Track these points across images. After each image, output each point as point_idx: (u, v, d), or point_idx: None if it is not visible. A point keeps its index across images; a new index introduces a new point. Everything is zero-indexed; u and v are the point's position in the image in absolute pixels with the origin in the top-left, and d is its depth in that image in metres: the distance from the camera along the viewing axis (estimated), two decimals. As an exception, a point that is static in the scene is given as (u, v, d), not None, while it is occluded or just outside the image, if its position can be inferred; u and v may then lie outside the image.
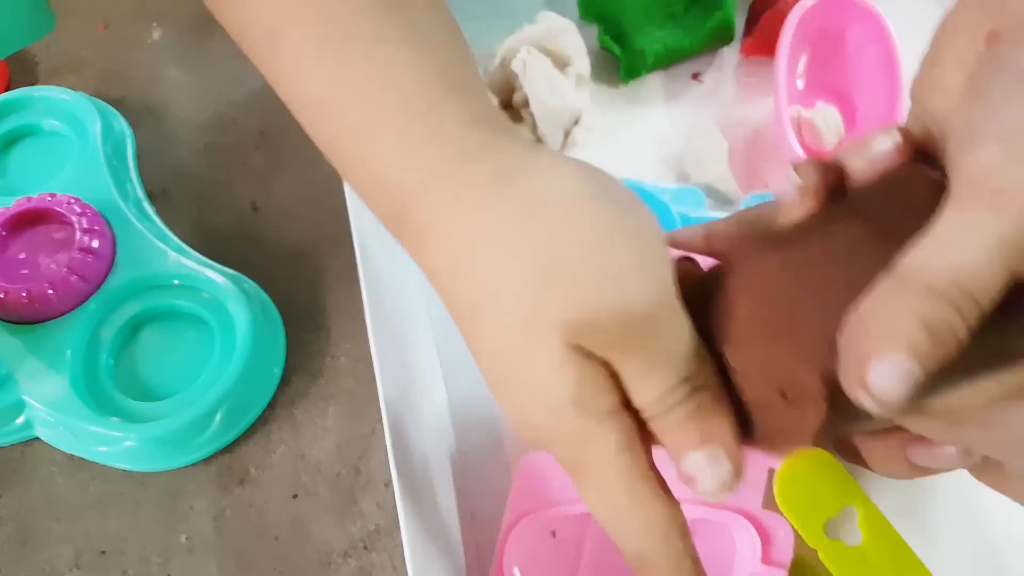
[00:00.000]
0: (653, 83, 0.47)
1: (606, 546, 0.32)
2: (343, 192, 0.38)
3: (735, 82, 0.47)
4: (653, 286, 0.22)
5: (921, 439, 0.23)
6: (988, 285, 0.18)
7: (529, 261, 0.22)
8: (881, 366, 0.18)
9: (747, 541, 0.31)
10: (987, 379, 0.19)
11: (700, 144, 0.43)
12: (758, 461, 0.32)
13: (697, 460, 0.22)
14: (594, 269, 0.22)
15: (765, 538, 0.30)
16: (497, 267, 0.23)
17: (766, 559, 0.30)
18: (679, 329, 0.22)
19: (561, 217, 0.22)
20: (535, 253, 0.22)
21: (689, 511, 0.31)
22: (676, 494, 0.29)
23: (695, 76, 0.48)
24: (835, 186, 0.23)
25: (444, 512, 0.34)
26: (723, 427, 0.22)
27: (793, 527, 0.32)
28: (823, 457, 0.33)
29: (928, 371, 0.18)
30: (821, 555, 0.32)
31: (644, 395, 0.22)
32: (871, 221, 0.20)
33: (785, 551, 0.30)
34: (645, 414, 0.22)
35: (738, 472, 0.22)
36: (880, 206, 0.21)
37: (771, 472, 0.32)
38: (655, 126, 0.46)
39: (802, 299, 0.21)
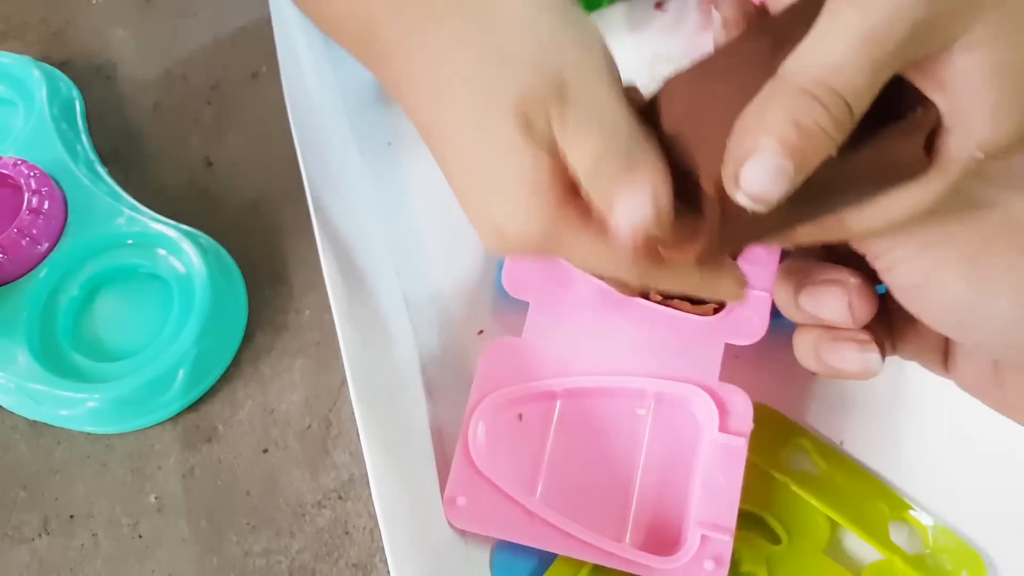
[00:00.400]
0: (615, 14, 0.46)
1: (572, 425, 0.32)
2: (294, 144, 0.37)
3: (698, 10, 0.46)
4: (587, 60, 0.23)
5: (832, 339, 0.25)
6: (854, 81, 0.18)
7: (479, 53, 0.23)
8: (753, 164, 0.18)
9: (706, 412, 0.31)
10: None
11: (665, 71, 0.41)
12: (714, 336, 0.32)
13: (622, 202, 0.21)
14: (534, 47, 0.22)
15: (723, 409, 0.31)
16: (451, 70, 0.23)
17: (724, 428, 0.30)
18: (610, 101, 0.23)
19: (509, 19, 0.23)
20: (484, 46, 0.23)
21: (649, 384, 0.31)
22: (641, 370, 0.29)
23: (658, 5, 0.46)
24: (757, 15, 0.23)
25: (417, 457, 0.34)
26: (653, 178, 0.22)
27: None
28: (760, 408, 0.34)
29: (801, 168, 0.18)
30: (791, 485, 0.33)
31: (580, 161, 0.22)
32: (775, 35, 0.21)
33: (744, 421, 0.31)
34: (583, 184, 0.22)
35: (660, 221, 0.21)
36: (788, 23, 0.21)
37: (727, 346, 0.33)
38: (619, 57, 0.44)
39: (703, 111, 0.21)
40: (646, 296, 0.33)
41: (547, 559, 0.31)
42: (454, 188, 0.25)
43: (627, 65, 0.45)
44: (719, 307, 0.32)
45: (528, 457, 0.32)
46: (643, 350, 0.32)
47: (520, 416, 0.33)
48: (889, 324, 0.27)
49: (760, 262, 0.32)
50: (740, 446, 0.30)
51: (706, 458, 0.30)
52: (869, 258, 0.23)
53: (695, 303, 0.32)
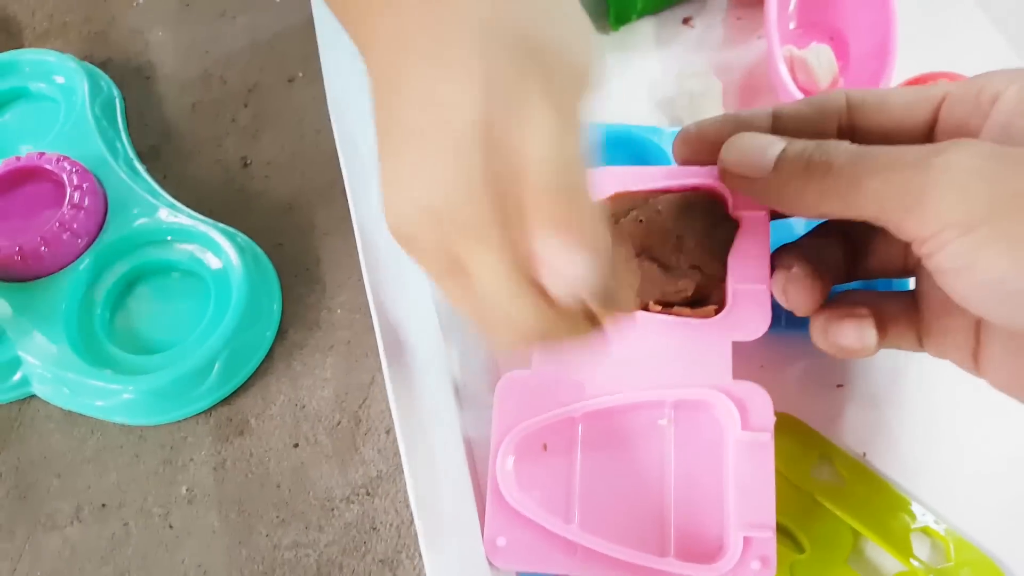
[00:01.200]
0: (643, 29, 0.47)
1: (597, 447, 0.32)
2: (333, 144, 0.38)
3: (726, 25, 0.47)
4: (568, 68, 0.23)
5: (836, 317, 0.28)
6: None
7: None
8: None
9: (726, 413, 0.31)
10: None
11: (692, 86, 0.42)
12: (720, 335, 0.32)
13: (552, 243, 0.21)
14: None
15: (742, 407, 0.30)
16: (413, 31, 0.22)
17: (746, 426, 0.30)
18: (575, 140, 0.22)
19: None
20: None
21: (666, 394, 0.32)
22: (655, 382, 0.32)
23: (686, 21, 0.47)
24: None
25: (448, 455, 0.34)
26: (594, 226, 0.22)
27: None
28: (784, 418, 0.35)
29: None
30: (816, 495, 0.33)
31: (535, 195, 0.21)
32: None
33: (765, 415, 0.30)
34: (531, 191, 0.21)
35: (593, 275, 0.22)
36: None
37: (751, 358, 0.34)
38: (646, 71, 0.45)
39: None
40: (646, 308, 0.33)
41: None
42: (381, 152, 0.23)
43: (654, 79, 0.46)
44: (719, 307, 0.32)
45: (559, 486, 0.32)
46: (654, 362, 0.32)
47: (545, 446, 0.32)
48: (918, 320, 0.28)
49: (752, 255, 0.32)
50: (766, 441, 0.30)
51: (734, 459, 0.30)
52: (914, 246, 0.24)
53: (694, 306, 0.32)
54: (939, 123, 0.27)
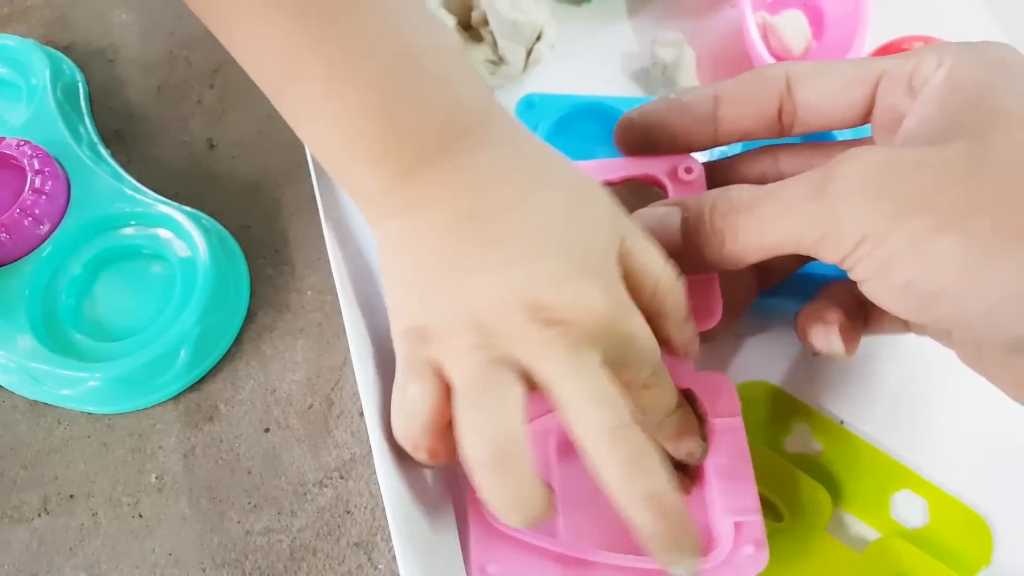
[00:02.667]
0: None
1: (572, 455, 0.31)
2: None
3: (699, -7, 0.46)
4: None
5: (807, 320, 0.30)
6: None
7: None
8: None
9: (698, 407, 0.31)
10: None
11: (666, 54, 0.42)
12: None
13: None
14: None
15: (708, 397, 0.30)
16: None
17: (716, 414, 0.30)
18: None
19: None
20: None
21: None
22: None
23: (659, -9, 0.46)
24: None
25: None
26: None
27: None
28: (765, 386, 0.34)
29: None
30: (793, 463, 0.33)
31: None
32: None
33: (731, 401, 0.30)
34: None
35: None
36: None
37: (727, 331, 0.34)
38: (620, 42, 0.45)
39: None
40: None
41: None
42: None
43: (627, 50, 0.45)
44: None
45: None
46: None
47: None
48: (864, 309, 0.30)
49: None
50: (737, 426, 0.30)
51: (709, 447, 0.30)
52: (839, 264, 0.26)
53: None
54: (875, 106, 0.28)
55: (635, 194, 0.32)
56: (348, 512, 0.34)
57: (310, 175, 0.36)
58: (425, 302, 0.26)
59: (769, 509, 0.32)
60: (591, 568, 0.29)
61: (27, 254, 0.39)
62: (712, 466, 0.29)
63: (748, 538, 0.28)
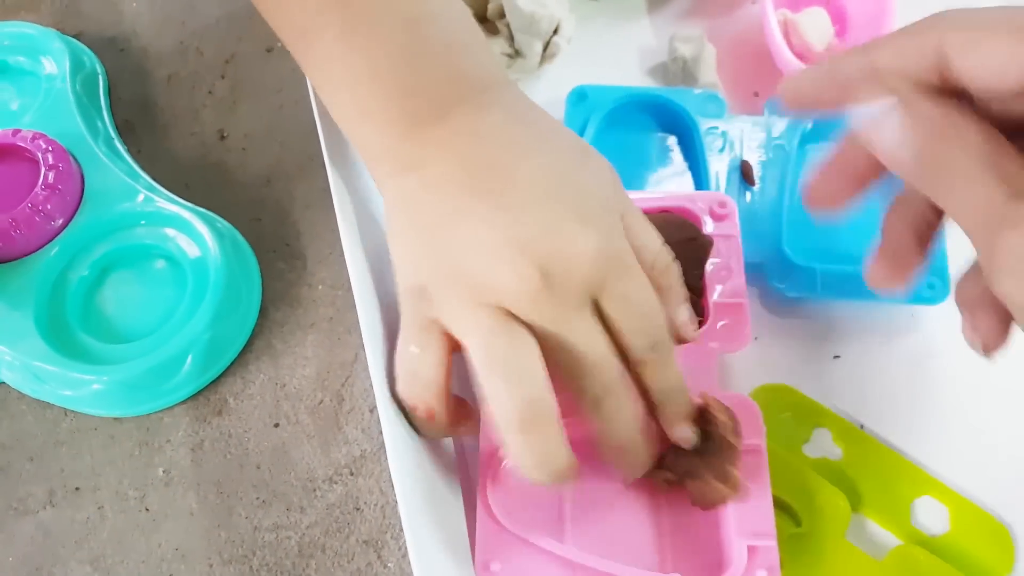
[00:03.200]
0: (634, -5, 0.45)
1: (587, 463, 0.30)
2: (312, 116, 0.36)
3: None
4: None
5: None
6: None
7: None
8: None
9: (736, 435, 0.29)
10: None
11: (686, 50, 0.41)
12: (706, 348, 0.32)
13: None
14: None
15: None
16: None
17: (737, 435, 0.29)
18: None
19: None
20: None
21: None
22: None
23: (677, -13, 0.46)
24: None
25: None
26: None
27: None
28: (785, 389, 0.34)
29: None
30: (812, 469, 0.32)
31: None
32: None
33: (755, 424, 0.30)
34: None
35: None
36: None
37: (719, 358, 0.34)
38: (638, 37, 0.44)
39: None
40: None
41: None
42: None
43: (646, 45, 0.45)
44: (701, 321, 0.32)
45: (551, 505, 0.31)
46: None
47: None
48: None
49: (728, 269, 0.33)
50: (759, 448, 0.29)
51: None
52: None
53: None
54: None
55: (671, 227, 0.32)
56: (358, 509, 0.34)
57: (323, 167, 0.35)
58: (423, 257, 0.27)
59: (788, 514, 0.31)
60: (592, 575, 0.28)
61: (37, 250, 0.38)
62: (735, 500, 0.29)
63: (762, 563, 0.28)
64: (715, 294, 0.32)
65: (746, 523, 0.28)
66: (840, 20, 0.42)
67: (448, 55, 0.28)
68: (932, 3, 0.43)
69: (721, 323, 0.32)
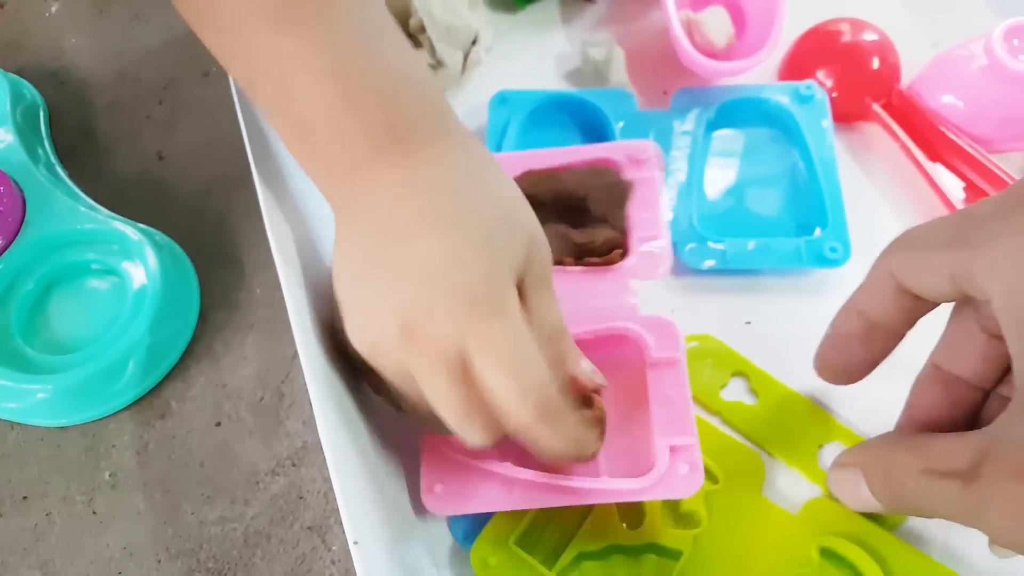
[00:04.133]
0: (548, 8, 0.48)
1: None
2: (244, 133, 0.38)
3: (628, 0, 0.48)
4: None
5: None
6: None
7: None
8: None
9: (639, 344, 0.33)
10: None
11: (597, 53, 0.44)
12: (626, 277, 0.35)
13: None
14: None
15: (653, 334, 0.33)
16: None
17: (659, 350, 0.32)
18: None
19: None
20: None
21: (584, 333, 0.33)
22: (575, 327, 0.32)
23: (589, -1, 0.49)
24: None
25: (367, 420, 0.34)
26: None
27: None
28: (705, 339, 0.36)
29: None
30: (723, 416, 0.34)
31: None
32: None
33: (672, 338, 0.32)
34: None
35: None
36: None
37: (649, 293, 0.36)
38: (553, 46, 0.47)
39: None
40: (561, 263, 0.35)
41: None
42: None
43: (560, 52, 0.47)
44: (624, 254, 0.35)
45: None
46: (570, 311, 0.33)
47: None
48: None
49: (647, 208, 0.36)
50: (677, 359, 0.32)
51: (652, 380, 0.32)
52: None
53: (602, 255, 0.35)
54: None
55: (595, 175, 0.36)
56: (301, 498, 0.35)
57: (254, 180, 0.37)
58: (353, 310, 0.29)
59: (705, 472, 0.33)
60: (536, 489, 0.30)
61: (-20, 269, 0.39)
62: (654, 396, 0.31)
63: (683, 459, 0.30)
64: (635, 230, 0.35)
65: (669, 427, 0.31)
66: (739, 18, 0.45)
67: (393, 94, 0.28)
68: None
69: (639, 255, 0.34)
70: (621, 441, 0.32)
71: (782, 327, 0.36)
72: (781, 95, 0.41)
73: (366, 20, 0.29)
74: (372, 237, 0.28)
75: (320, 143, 0.29)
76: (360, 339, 0.29)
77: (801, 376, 0.35)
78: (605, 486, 0.30)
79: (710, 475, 0.33)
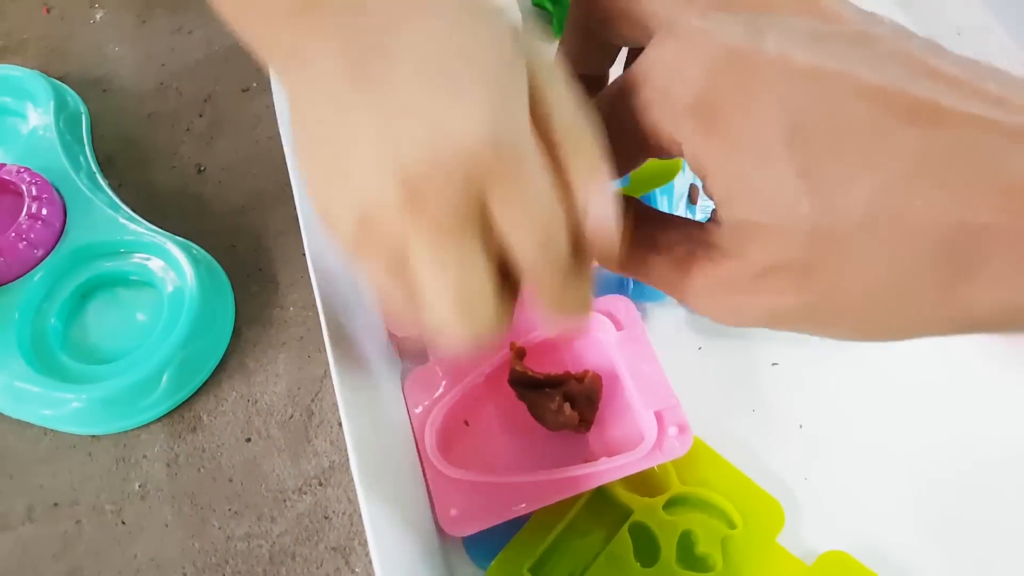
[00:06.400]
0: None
1: (507, 395, 0.35)
2: (283, 149, 0.39)
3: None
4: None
5: None
6: None
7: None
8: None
9: (601, 327, 0.35)
10: None
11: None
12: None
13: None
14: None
15: (611, 315, 0.35)
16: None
17: (620, 327, 0.34)
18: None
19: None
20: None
21: (539, 339, 0.35)
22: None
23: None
24: None
25: (396, 447, 0.35)
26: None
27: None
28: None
29: None
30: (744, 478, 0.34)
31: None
32: None
33: (631, 314, 0.34)
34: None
35: None
36: None
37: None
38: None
39: None
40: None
41: (513, 522, 0.32)
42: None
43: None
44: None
45: (490, 444, 0.34)
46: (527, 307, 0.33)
47: (466, 422, 0.35)
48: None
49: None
50: (639, 333, 0.34)
51: (623, 360, 0.33)
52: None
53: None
54: None
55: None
56: (326, 518, 0.36)
57: (294, 196, 0.37)
58: (318, 184, 0.23)
59: (723, 517, 0.33)
60: (544, 488, 0.32)
61: (20, 276, 0.40)
62: (626, 373, 0.33)
63: (671, 421, 0.32)
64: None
65: (648, 396, 0.32)
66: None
67: None
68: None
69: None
70: (607, 423, 0.34)
71: (809, 370, 0.37)
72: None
73: None
74: (334, 75, 0.22)
75: None
76: (343, 209, 0.22)
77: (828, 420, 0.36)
78: (606, 466, 0.32)
79: (727, 519, 0.33)
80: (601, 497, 0.33)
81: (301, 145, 0.23)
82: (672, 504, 0.32)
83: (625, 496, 0.32)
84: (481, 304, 0.22)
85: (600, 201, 0.21)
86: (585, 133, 0.22)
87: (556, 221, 0.21)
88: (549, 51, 0.23)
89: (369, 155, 0.21)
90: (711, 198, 0.21)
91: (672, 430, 0.32)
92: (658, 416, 0.32)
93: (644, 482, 0.33)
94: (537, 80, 0.21)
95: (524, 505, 0.31)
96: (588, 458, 0.32)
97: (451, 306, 0.22)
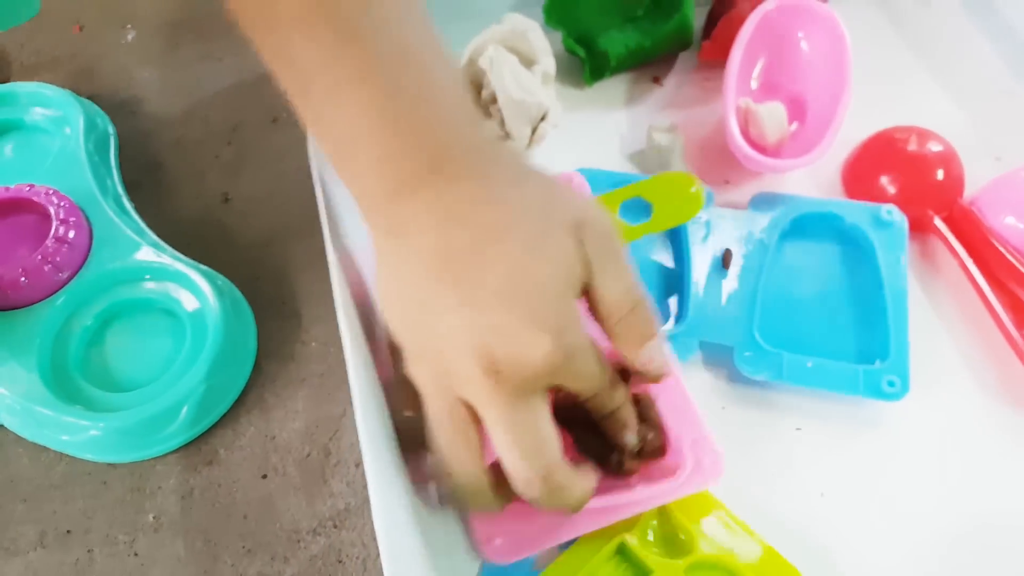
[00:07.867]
0: (616, 86, 0.49)
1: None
2: (311, 182, 0.39)
3: (693, 85, 0.49)
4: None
5: None
6: None
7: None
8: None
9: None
10: None
11: (660, 140, 0.45)
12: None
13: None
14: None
15: None
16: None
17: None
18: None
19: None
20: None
21: None
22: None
23: (656, 80, 0.50)
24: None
25: (415, 491, 0.35)
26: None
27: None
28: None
29: None
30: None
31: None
32: None
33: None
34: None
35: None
36: None
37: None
38: (618, 126, 0.48)
39: None
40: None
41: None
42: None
43: (625, 133, 0.48)
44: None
45: None
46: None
47: None
48: None
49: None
50: (675, 380, 0.35)
51: (657, 399, 0.34)
52: None
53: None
54: None
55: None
56: (340, 561, 0.35)
57: (320, 232, 0.38)
58: (414, 327, 0.30)
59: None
60: (584, 514, 0.32)
61: (43, 299, 0.40)
62: (665, 412, 0.34)
63: (706, 450, 0.33)
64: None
65: (683, 431, 0.34)
66: (801, 117, 0.46)
67: (429, 120, 0.28)
68: (888, 96, 0.47)
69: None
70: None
71: (831, 436, 0.37)
72: (860, 215, 0.41)
73: (410, 32, 0.29)
74: (429, 260, 0.29)
75: (362, 164, 0.29)
76: (429, 363, 0.30)
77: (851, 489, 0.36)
78: (646, 494, 0.33)
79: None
80: (624, 554, 0.33)
81: (389, 294, 0.31)
82: (694, 569, 0.32)
83: (648, 557, 0.32)
84: (550, 446, 0.29)
85: (646, 361, 0.31)
86: (626, 310, 0.30)
87: (602, 381, 0.31)
88: (606, 219, 0.30)
89: (459, 334, 0.28)
90: None
91: (707, 459, 0.33)
92: (693, 443, 0.33)
93: (669, 541, 0.33)
94: (592, 268, 0.29)
95: (568, 532, 0.33)
96: (624, 486, 0.33)
97: (520, 453, 0.29)
